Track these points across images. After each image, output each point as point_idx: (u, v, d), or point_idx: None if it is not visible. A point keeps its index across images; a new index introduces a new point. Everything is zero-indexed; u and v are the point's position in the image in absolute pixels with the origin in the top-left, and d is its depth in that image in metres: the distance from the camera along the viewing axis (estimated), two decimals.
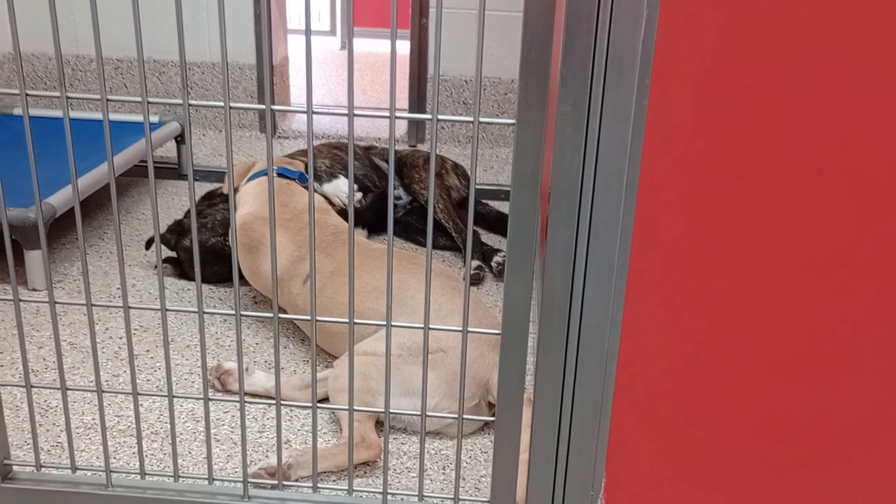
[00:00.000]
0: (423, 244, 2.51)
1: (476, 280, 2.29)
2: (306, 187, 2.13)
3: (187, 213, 2.41)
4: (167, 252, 2.25)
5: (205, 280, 2.19)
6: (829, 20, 0.95)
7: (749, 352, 1.12)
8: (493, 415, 1.66)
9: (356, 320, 1.16)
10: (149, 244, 2.33)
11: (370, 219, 2.50)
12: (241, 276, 2.22)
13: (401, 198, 2.56)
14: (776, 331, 1.10)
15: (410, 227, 2.54)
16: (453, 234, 2.43)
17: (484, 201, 2.71)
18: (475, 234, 2.47)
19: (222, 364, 1.76)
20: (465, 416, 1.22)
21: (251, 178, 2.12)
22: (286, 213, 1.98)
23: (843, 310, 1.08)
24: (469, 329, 1.14)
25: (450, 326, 1.20)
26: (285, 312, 2.02)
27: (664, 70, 0.97)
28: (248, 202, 2.04)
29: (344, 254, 1.86)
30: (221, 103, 1.05)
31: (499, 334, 1.12)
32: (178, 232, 2.25)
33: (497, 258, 2.36)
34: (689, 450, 1.21)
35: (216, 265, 2.17)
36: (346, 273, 1.80)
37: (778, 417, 1.16)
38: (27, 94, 1.07)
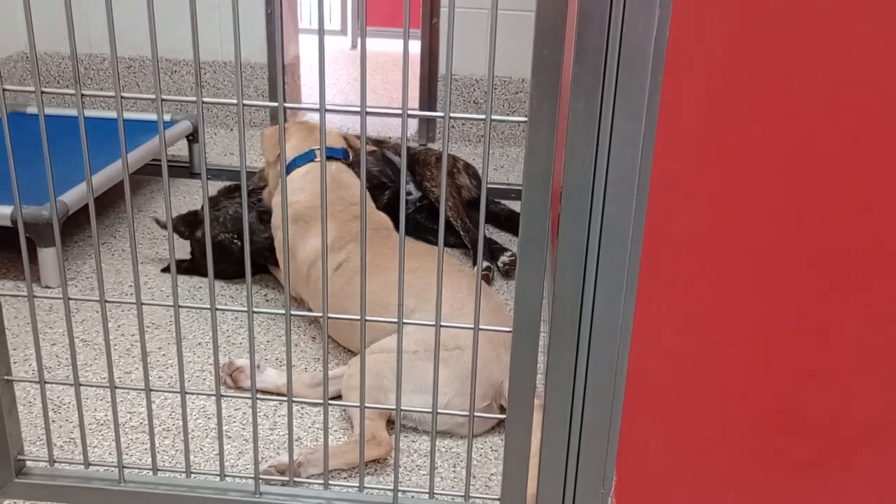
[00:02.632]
0: (433, 242, 2.51)
1: (485, 280, 2.29)
2: (349, 165, 2.14)
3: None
4: (178, 250, 2.26)
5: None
6: (840, 18, 0.95)
7: (761, 350, 1.12)
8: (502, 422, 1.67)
9: (368, 317, 1.16)
10: (159, 223, 2.35)
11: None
12: (257, 272, 2.23)
13: (411, 193, 2.56)
14: (788, 329, 1.10)
15: (420, 226, 2.54)
16: (461, 233, 2.43)
17: (496, 200, 2.71)
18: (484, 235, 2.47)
19: (234, 361, 1.76)
20: (476, 415, 1.22)
21: (295, 163, 2.08)
22: (339, 204, 2.01)
23: (856, 308, 1.08)
24: (481, 327, 1.15)
25: (463, 324, 1.20)
26: (300, 306, 2.03)
27: (676, 68, 0.97)
28: (299, 190, 2.03)
29: (380, 249, 1.89)
30: (234, 101, 1.05)
31: (510, 332, 1.12)
32: (192, 223, 2.26)
33: (504, 258, 2.35)
34: (700, 449, 1.20)
35: (222, 263, 2.17)
36: (378, 266, 1.83)
37: (790, 417, 1.15)
38: (42, 92, 1.08)
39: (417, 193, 2.56)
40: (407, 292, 1.76)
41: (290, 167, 2.06)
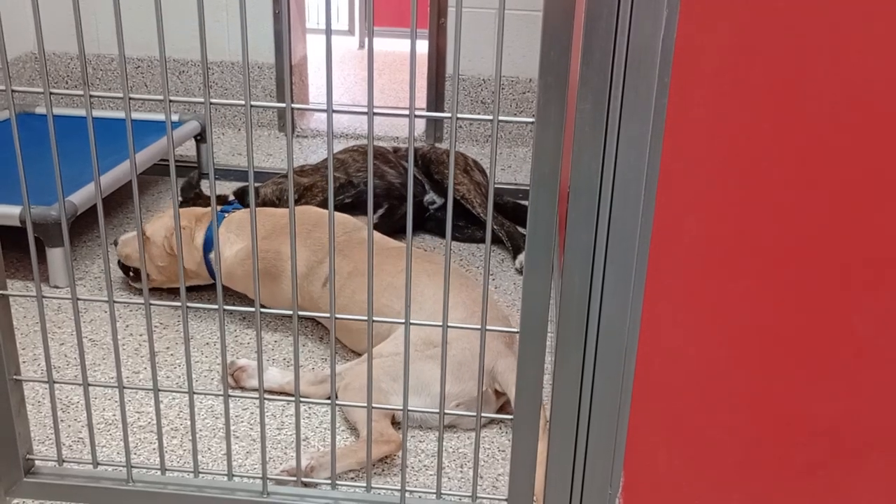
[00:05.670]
0: (458, 240, 2.53)
1: None
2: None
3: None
4: None
5: None
6: (850, 18, 0.95)
7: (768, 352, 1.12)
8: (502, 406, 1.68)
9: (375, 318, 1.16)
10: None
11: (398, 221, 2.51)
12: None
13: (434, 202, 2.58)
14: (795, 331, 1.10)
15: (442, 223, 2.55)
16: (494, 227, 2.45)
17: (501, 194, 2.74)
18: (515, 228, 2.49)
19: (235, 361, 1.77)
20: (483, 415, 1.22)
21: (210, 237, 2.04)
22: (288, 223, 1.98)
23: (864, 310, 1.07)
24: (488, 328, 1.15)
25: (463, 324, 1.20)
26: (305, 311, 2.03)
27: (683, 69, 0.97)
28: (232, 242, 2.00)
29: (361, 253, 1.88)
30: (242, 102, 1.05)
31: (517, 332, 1.12)
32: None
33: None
34: (707, 450, 1.20)
35: None
36: (363, 273, 1.82)
37: (797, 418, 1.15)
38: (51, 93, 1.09)
39: (440, 200, 2.58)
40: (395, 294, 1.79)
41: (210, 243, 2.03)
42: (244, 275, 1.97)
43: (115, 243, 2.18)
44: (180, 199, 2.42)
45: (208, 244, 2.02)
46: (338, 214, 2.05)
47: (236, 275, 1.98)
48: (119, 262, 2.19)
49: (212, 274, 2.04)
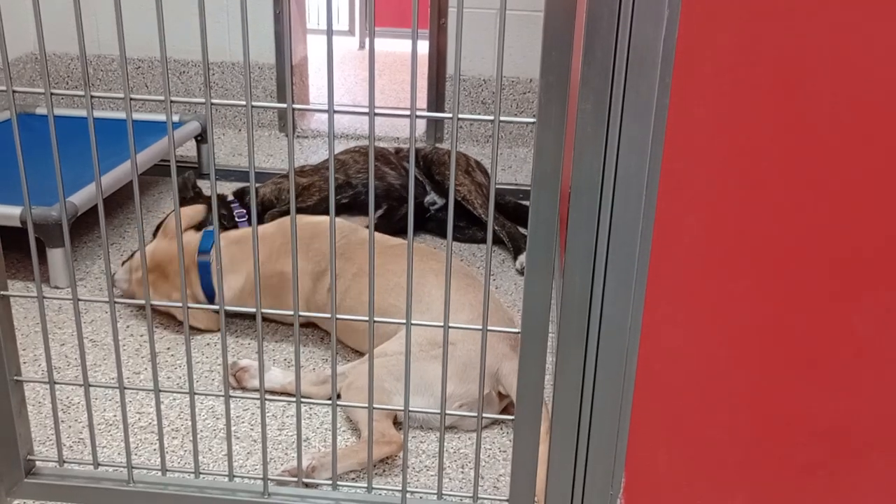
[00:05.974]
0: (459, 240, 2.53)
1: None
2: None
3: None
4: None
5: None
6: (850, 18, 0.95)
7: (769, 352, 1.12)
8: (505, 408, 1.68)
9: (376, 319, 1.17)
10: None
11: (398, 223, 2.51)
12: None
13: (435, 203, 2.58)
14: (796, 331, 1.10)
15: (444, 224, 2.56)
16: (495, 228, 2.45)
17: (502, 194, 2.74)
18: (516, 228, 2.50)
19: (238, 361, 1.77)
20: (484, 415, 1.22)
21: (203, 245, 1.98)
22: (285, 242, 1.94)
23: (865, 310, 1.07)
24: (490, 328, 1.15)
25: (467, 325, 1.20)
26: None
27: (684, 69, 0.97)
28: (230, 280, 1.92)
29: (363, 254, 1.88)
30: (243, 102, 1.05)
31: (518, 333, 1.12)
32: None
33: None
34: (708, 450, 1.20)
35: None
36: (367, 274, 1.82)
37: (798, 418, 1.15)
38: (52, 93, 1.09)
39: (441, 201, 2.58)
40: (401, 294, 1.78)
41: (204, 265, 1.97)
42: (252, 298, 1.94)
43: (114, 282, 2.12)
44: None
45: (208, 289, 1.97)
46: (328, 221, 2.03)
47: (245, 301, 1.95)
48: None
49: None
